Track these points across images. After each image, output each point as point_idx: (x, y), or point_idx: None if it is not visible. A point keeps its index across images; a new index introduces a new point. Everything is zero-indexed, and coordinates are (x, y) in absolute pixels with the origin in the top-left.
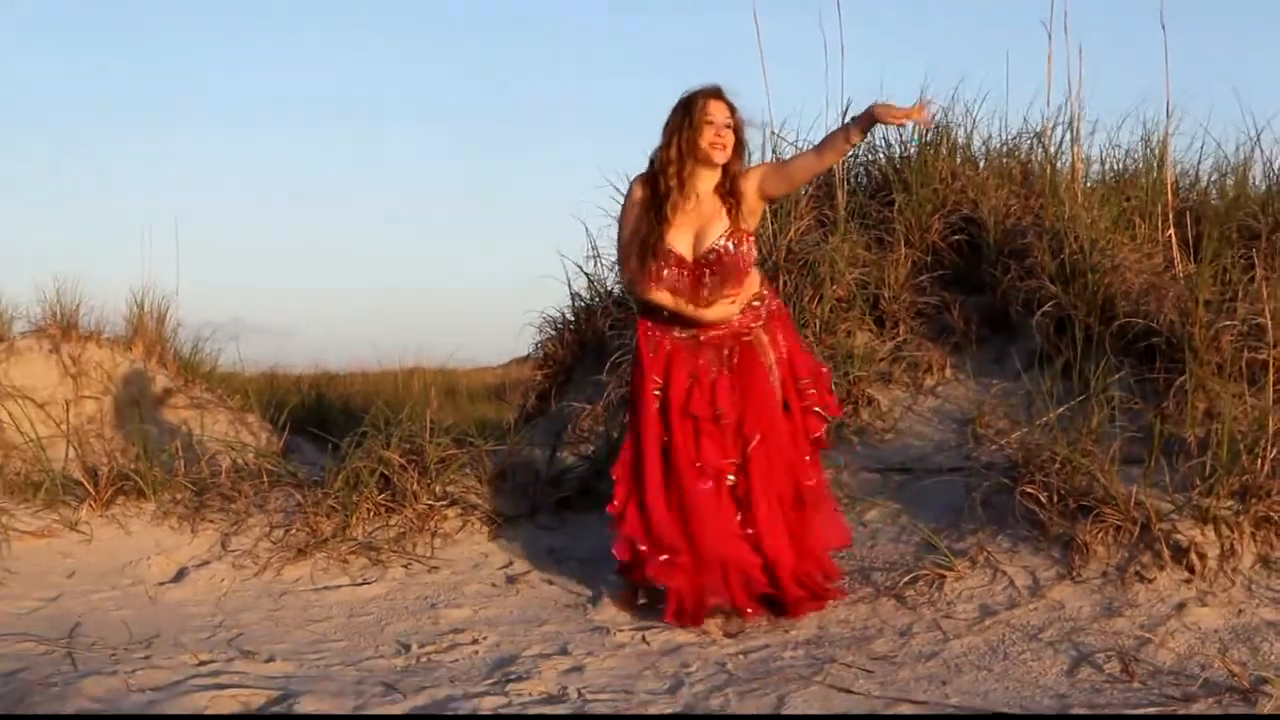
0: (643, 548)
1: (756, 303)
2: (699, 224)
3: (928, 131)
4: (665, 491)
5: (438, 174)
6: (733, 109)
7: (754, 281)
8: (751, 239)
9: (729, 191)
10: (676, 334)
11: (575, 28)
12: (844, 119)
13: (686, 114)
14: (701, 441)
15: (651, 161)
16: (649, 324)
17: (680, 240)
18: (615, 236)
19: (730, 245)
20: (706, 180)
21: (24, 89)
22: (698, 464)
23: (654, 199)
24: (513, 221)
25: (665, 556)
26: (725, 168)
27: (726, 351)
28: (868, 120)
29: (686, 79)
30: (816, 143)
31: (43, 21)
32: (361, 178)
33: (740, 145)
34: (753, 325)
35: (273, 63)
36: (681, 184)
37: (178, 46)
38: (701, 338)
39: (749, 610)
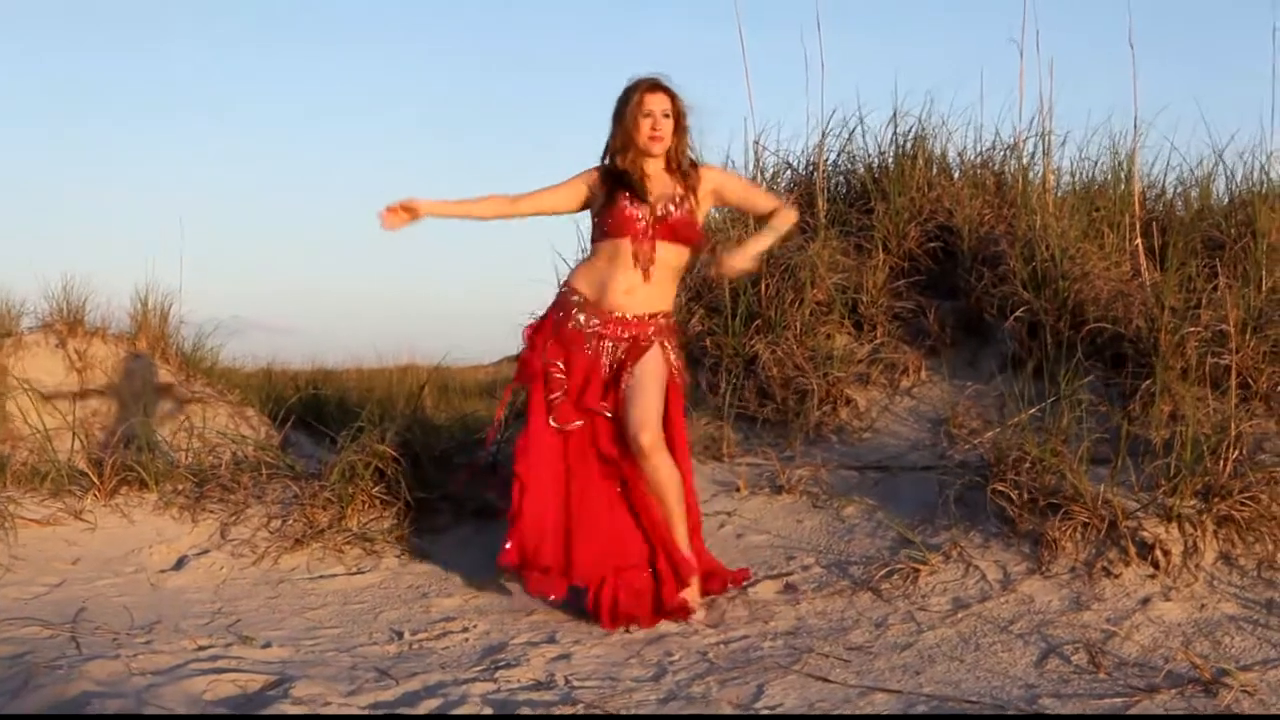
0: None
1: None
2: (655, 193)
3: (905, 142)
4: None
5: (433, 174)
6: (673, 96)
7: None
8: (700, 222)
9: (681, 171)
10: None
11: (567, 36)
12: (823, 134)
13: (624, 108)
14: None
15: (604, 153)
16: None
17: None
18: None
19: (681, 211)
20: (654, 164)
21: (29, 86)
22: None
23: (610, 181)
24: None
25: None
26: (669, 152)
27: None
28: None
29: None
30: (768, 217)
31: (46, 16)
32: (358, 178)
33: (682, 130)
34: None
35: (275, 62)
36: (634, 170)
37: (183, 44)
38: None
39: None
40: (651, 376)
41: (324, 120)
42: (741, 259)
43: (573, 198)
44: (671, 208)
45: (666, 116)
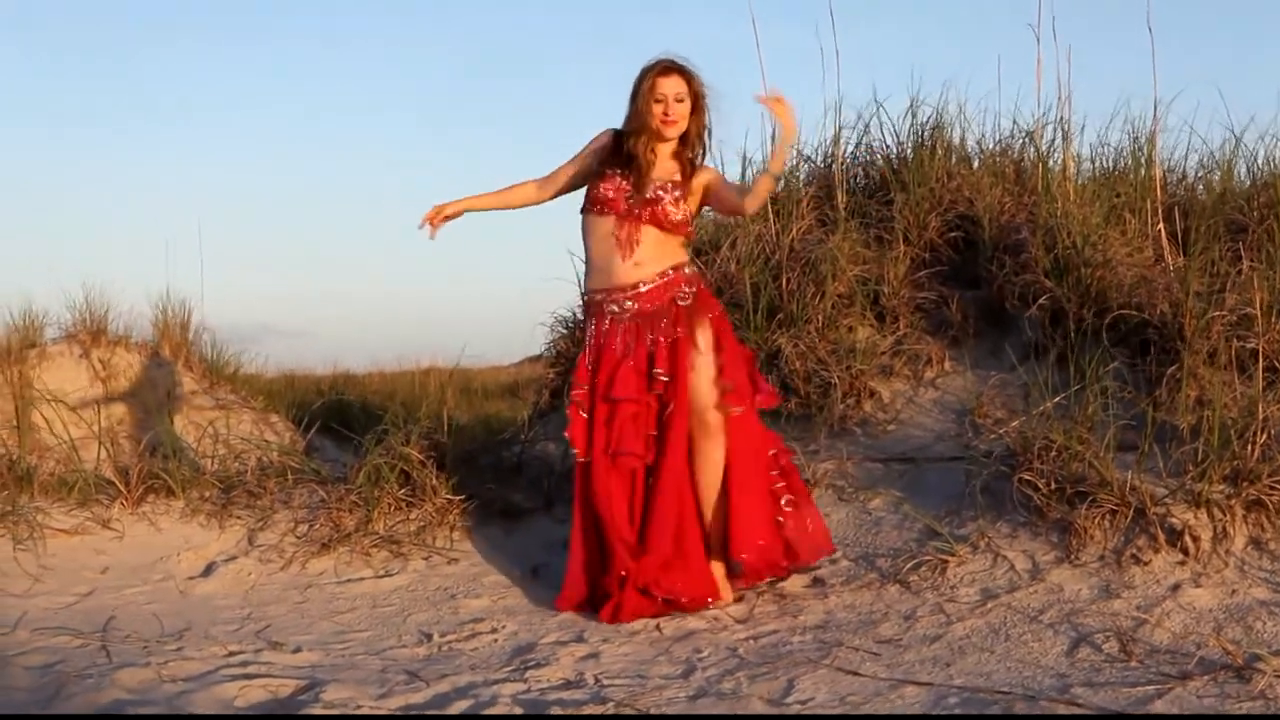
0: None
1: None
2: (651, 175)
3: (923, 132)
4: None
5: (450, 177)
6: (688, 78)
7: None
8: (690, 213)
9: (688, 159)
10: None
11: (579, 31)
12: (838, 121)
13: (637, 91)
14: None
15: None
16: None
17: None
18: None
19: (671, 198)
20: (666, 147)
21: (49, 96)
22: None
23: (617, 153)
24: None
25: None
26: (684, 134)
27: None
28: (779, 156)
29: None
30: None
31: (58, 21)
32: (381, 182)
33: (699, 111)
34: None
35: (292, 68)
36: (643, 153)
37: (199, 50)
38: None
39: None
40: (704, 348)
41: (340, 123)
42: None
43: (587, 168)
44: (662, 193)
45: (680, 100)
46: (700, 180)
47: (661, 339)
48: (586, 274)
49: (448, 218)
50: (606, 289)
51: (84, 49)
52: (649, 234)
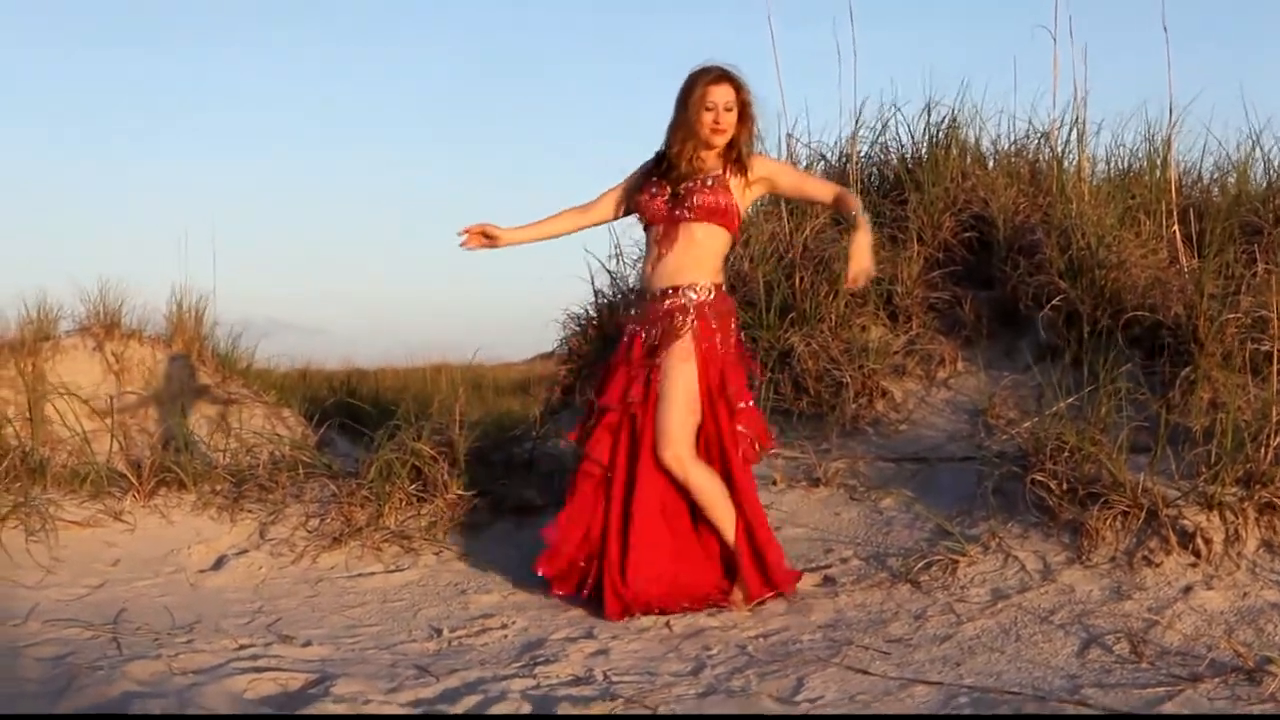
0: None
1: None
2: (686, 174)
3: (939, 132)
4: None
5: (465, 175)
6: (737, 87)
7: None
8: (735, 207)
9: (735, 160)
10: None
11: (599, 31)
12: (856, 120)
13: (687, 98)
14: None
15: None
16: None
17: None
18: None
19: (707, 188)
20: (712, 155)
21: (66, 92)
22: None
23: (659, 166)
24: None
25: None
26: (731, 142)
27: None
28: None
29: None
30: (839, 192)
31: (77, 19)
32: (389, 179)
33: (747, 119)
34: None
35: (306, 66)
36: (692, 166)
37: (216, 47)
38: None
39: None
40: (675, 382)
41: (353, 120)
42: (861, 260)
43: (634, 188)
44: (692, 185)
45: (729, 109)
46: (757, 173)
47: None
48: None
49: (489, 239)
50: (640, 291)
51: (97, 44)
52: (686, 233)
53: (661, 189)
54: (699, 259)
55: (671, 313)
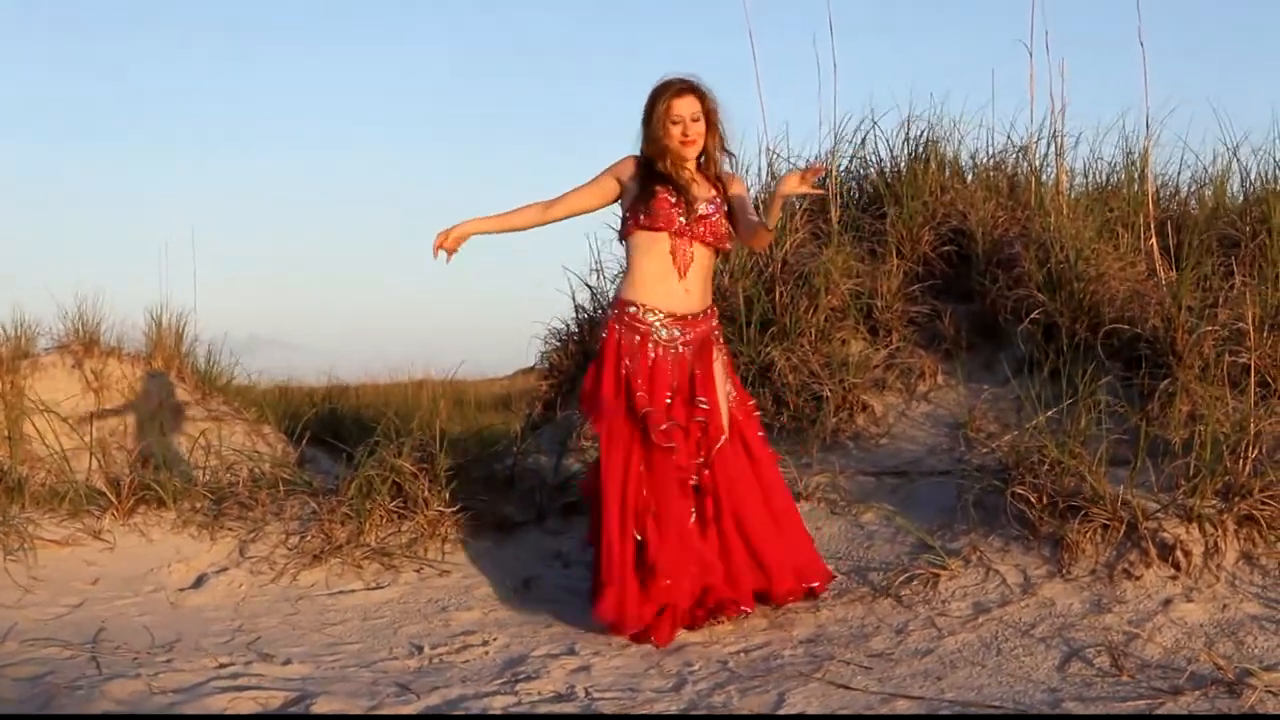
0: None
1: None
2: (695, 193)
3: (917, 146)
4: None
5: (445, 189)
6: (701, 96)
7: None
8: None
9: (715, 175)
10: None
11: (578, 44)
12: (834, 134)
13: (651, 114)
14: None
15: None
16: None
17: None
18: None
19: (721, 214)
20: (689, 164)
21: (42, 106)
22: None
23: (647, 173)
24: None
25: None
26: (704, 150)
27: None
28: (778, 201)
29: None
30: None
31: (54, 34)
32: (369, 194)
33: (714, 128)
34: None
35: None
36: (674, 173)
37: (190, 60)
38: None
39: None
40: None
41: (335, 136)
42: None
43: (603, 194)
44: (710, 208)
45: (696, 120)
46: (734, 191)
47: (698, 371)
48: (628, 286)
49: (457, 239)
50: (655, 307)
51: (76, 59)
52: (700, 254)
53: (679, 203)
54: (708, 280)
55: (709, 334)
